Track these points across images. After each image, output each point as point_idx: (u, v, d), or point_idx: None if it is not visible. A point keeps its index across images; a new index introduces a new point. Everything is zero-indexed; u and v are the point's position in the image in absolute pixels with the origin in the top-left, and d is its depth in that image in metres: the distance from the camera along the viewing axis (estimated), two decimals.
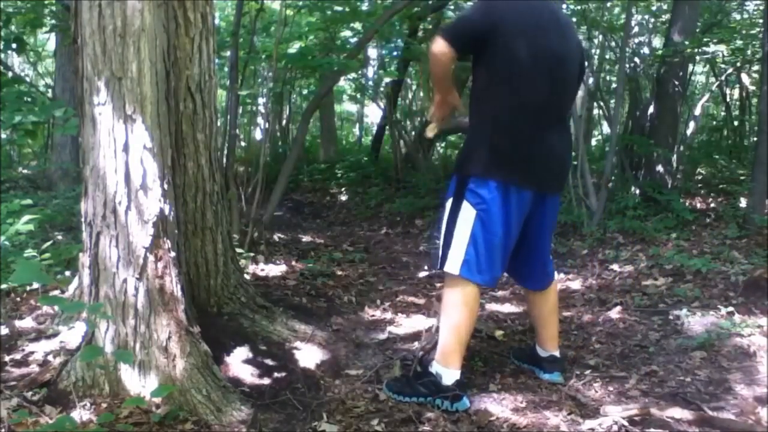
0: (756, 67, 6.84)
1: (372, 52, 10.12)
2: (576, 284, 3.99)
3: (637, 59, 6.46)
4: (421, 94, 9.39)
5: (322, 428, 2.22)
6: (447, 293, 2.41)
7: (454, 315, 2.37)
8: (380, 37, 7.53)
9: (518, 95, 2.30)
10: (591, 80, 6.81)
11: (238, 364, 2.61)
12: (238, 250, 3.60)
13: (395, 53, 8.74)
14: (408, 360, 2.75)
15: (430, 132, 2.77)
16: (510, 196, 2.31)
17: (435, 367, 2.42)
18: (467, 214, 2.32)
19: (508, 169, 2.30)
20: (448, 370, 2.38)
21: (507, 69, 2.29)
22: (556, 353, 2.67)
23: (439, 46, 2.28)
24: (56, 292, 3.15)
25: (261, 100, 7.63)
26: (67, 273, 3.33)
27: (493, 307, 3.57)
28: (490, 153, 2.31)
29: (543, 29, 2.32)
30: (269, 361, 2.67)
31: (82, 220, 2.32)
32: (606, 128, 8.13)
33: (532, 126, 2.33)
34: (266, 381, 2.54)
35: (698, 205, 5.85)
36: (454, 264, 2.33)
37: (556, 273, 4.05)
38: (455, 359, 2.38)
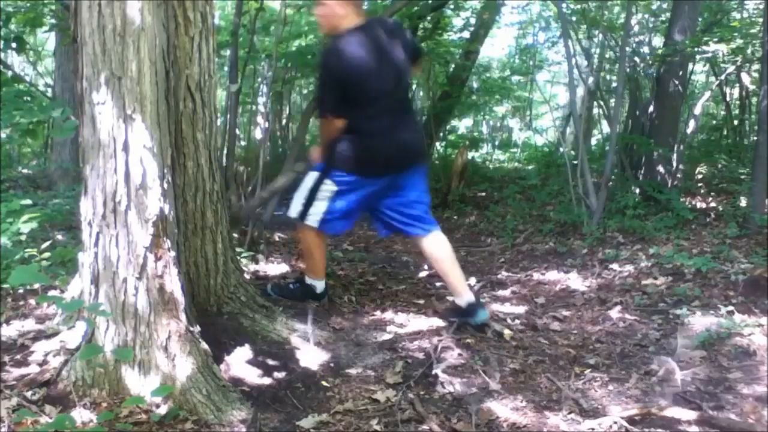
0: (756, 67, 6.84)
1: None
2: (576, 284, 3.99)
3: (637, 59, 6.46)
4: (421, 93, 9.39)
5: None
6: (302, 235, 3.25)
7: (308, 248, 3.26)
8: None
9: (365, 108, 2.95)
10: (591, 79, 6.81)
11: (238, 363, 2.61)
12: (238, 250, 3.60)
13: None
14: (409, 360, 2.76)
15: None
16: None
17: (309, 280, 3.27)
18: (328, 187, 3.06)
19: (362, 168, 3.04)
20: (318, 282, 3.28)
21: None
22: (470, 298, 3.13)
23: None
24: (56, 292, 3.15)
25: (261, 100, 7.62)
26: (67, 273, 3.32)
27: (494, 306, 3.57)
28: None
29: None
30: (269, 361, 2.68)
31: (82, 219, 2.32)
32: (606, 127, 8.13)
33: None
34: (266, 381, 2.54)
35: (698, 205, 5.85)
36: (313, 219, 3.11)
37: (557, 272, 4.14)
38: (320, 272, 3.28)
